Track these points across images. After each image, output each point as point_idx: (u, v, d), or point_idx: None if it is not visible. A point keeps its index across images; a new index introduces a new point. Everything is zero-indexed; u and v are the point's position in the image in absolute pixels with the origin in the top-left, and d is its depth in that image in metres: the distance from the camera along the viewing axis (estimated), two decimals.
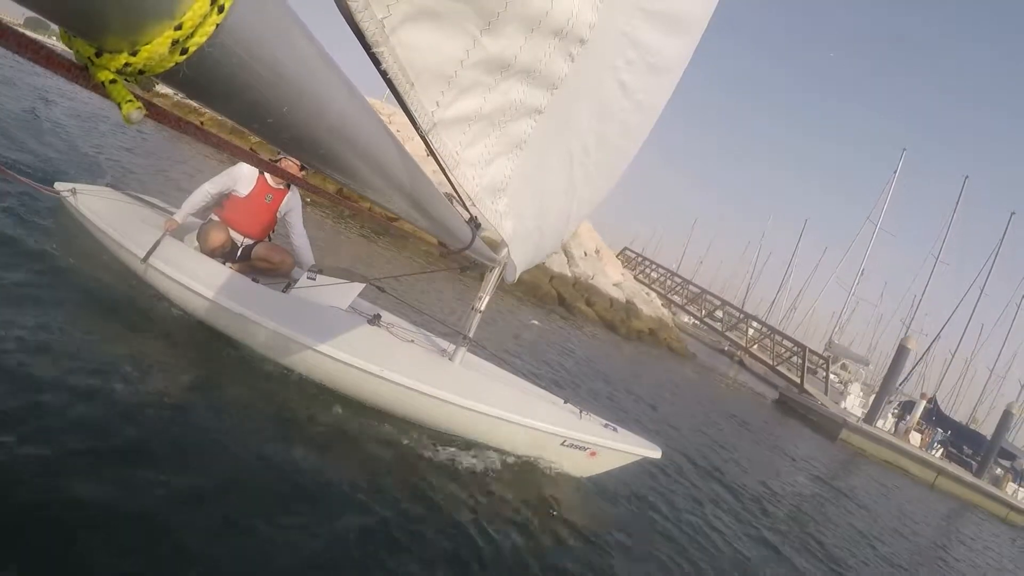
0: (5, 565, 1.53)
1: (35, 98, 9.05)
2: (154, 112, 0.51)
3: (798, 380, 19.45)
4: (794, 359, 20.82)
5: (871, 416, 18.59)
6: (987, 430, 29.91)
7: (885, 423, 20.27)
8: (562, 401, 3.54)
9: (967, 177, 29.43)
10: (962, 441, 22.94)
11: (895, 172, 28.83)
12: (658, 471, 4.44)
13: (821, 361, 21.64)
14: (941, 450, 20.89)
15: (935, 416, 23.55)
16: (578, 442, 3.25)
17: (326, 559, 2.10)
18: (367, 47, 0.57)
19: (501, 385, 3.42)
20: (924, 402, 22.01)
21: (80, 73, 0.42)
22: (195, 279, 3.17)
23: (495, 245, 2.79)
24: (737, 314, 24.52)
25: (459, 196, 1.16)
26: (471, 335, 3.45)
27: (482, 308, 3.36)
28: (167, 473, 2.14)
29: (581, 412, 3.44)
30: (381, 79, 0.63)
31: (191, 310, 3.23)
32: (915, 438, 20.51)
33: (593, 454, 3.32)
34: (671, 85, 2.57)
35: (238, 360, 3.13)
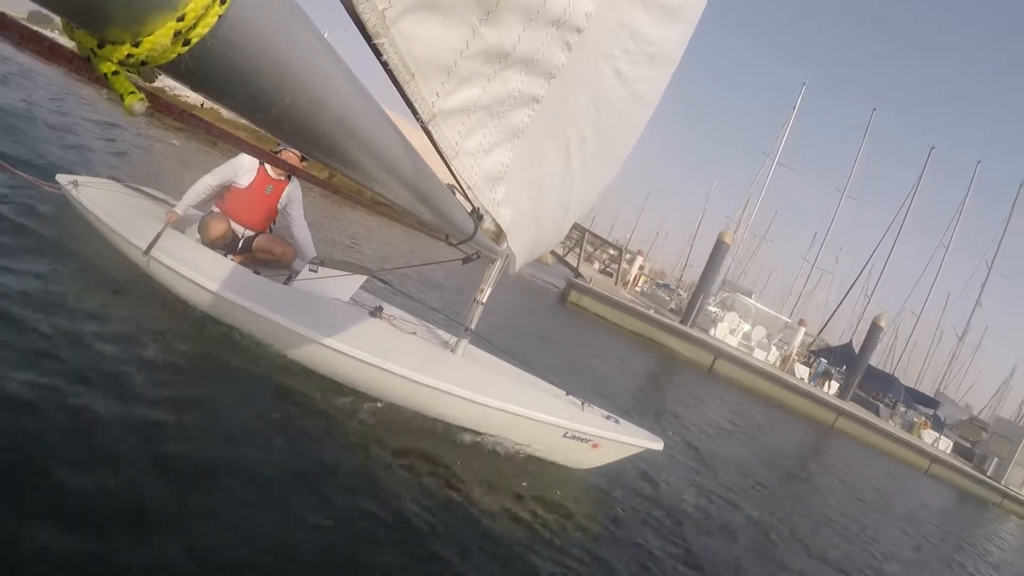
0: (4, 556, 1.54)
1: (32, 92, 9.01)
2: (156, 103, 0.50)
3: (576, 265, 18.83)
4: (576, 248, 20.25)
5: (687, 316, 17.19)
6: (913, 380, 29.89)
7: (769, 355, 19.82)
8: (564, 393, 3.55)
9: (874, 110, 30.00)
10: (872, 384, 22.97)
11: (794, 107, 28.46)
12: (658, 462, 4.47)
13: (614, 252, 21.28)
14: (835, 385, 20.71)
15: (829, 355, 23.49)
16: (580, 434, 3.26)
17: (325, 546, 2.12)
18: (368, 38, 0.57)
19: (503, 377, 3.43)
20: (803, 329, 21.93)
21: (83, 65, 0.41)
22: (196, 271, 3.18)
23: (497, 237, 2.79)
24: None
25: (460, 186, 1.16)
26: (473, 327, 3.46)
27: (484, 300, 3.37)
28: (166, 463, 2.16)
29: (583, 404, 3.45)
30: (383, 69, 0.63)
31: (193, 302, 3.25)
32: (800, 370, 20.28)
33: (595, 446, 3.33)
34: (667, 75, 2.56)
35: (239, 352, 3.14)
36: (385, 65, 0.61)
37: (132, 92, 0.41)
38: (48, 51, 0.42)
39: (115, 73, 0.41)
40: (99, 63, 0.40)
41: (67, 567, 1.62)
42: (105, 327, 2.89)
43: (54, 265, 3.22)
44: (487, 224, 2.05)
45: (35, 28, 0.43)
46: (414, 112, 0.74)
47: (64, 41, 0.50)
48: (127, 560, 1.72)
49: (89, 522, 1.78)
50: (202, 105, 12.39)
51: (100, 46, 0.38)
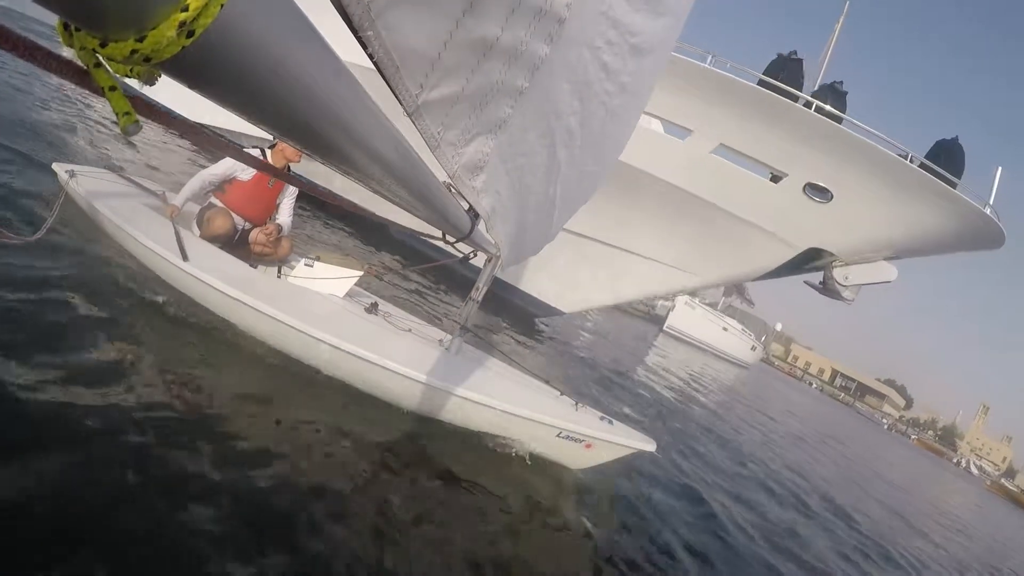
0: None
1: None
2: (145, 109, 0.51)
3: None
4: None
5: None
6: None
7: None
8: (558, 393, 3.60)
9: None
10: None
11: None
12: (651, 464, 4.51)
13: None
14: None
15: None
16: (574, 434, 3.30)
17: (316, 546, 2.13)
18: (354, 31, 0.59)
19: (497, 376, 3.47)
20: None
21: (83, 76, 0.43)
22: (194, 264, 3.20)
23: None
24: None
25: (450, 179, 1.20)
26: (468, 325, 3.49)
27: (479, 298, 3.41)
28: (156, 455, 2.18)
29: (577, 404, 3.49)
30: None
31: (189, 294, 3.27)
32: None
33: (589, 446, 3.37)
34: (656, 68, 2.57)
35: (233, 345, 3.17)
36: (371, 57, 0.64)
37: (127, 113, 0.43)
38: (47, 60, 0.42)
39: (112, 89, 0.42)
40: (98, 75, 0.41)
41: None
42: (96, 317, 2.90)
43: (49, 256, 3.23)
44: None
45: (36, 39, 0.42)
46: (400, 103, 0.77)
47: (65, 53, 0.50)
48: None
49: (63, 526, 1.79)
50: None
51: (103, 45, 0.39)
